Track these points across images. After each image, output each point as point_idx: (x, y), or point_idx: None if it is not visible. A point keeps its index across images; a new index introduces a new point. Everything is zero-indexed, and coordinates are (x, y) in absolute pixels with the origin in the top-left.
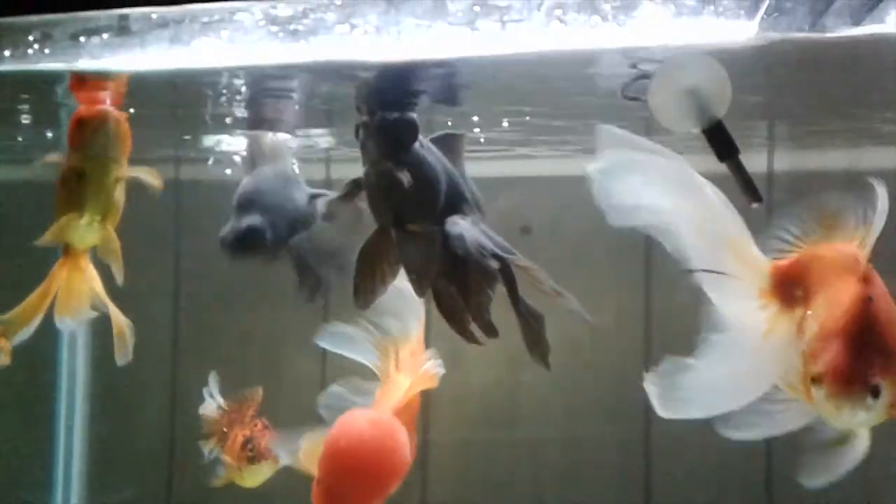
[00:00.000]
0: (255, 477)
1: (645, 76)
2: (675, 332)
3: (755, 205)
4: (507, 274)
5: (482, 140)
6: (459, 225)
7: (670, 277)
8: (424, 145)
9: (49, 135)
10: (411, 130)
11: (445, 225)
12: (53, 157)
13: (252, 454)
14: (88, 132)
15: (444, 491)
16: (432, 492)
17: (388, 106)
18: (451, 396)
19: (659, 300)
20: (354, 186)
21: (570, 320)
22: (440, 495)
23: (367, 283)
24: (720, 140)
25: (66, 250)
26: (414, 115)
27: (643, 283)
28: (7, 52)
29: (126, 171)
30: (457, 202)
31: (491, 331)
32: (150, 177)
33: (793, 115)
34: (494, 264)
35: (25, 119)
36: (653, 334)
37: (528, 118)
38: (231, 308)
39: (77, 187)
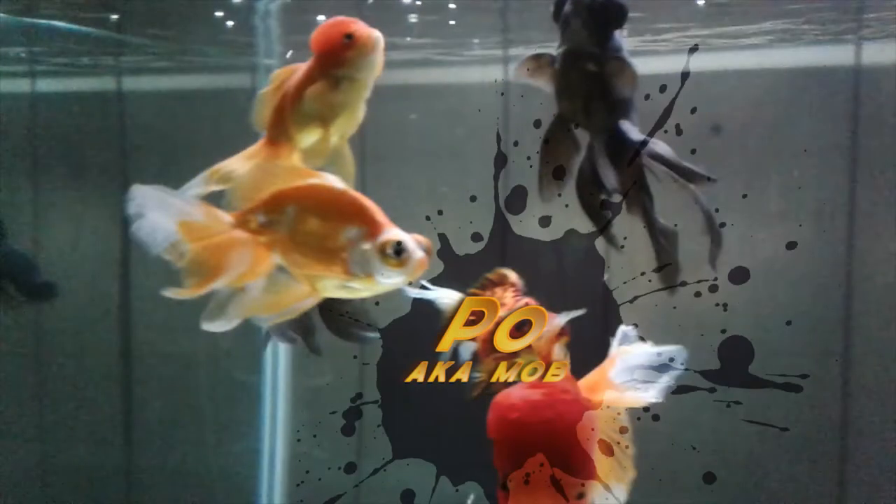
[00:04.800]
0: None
1: None
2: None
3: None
4: (647, 191)
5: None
6: (633, 130)
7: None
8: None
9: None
10: (622, 14)
11: (623, 128)
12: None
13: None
14: (364, 51)
15: None
16: None
17: None
18: None
19: (863, 196)
20: (539, 58)
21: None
22: None
23: (550, 176)
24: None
25: (276, 142)
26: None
27: (848, 182)
28: None
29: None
30: (631, 104)
31: (661, 234)
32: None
33: None
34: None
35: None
36: (857, 228)
37: None
38: None
39: (332, 103)
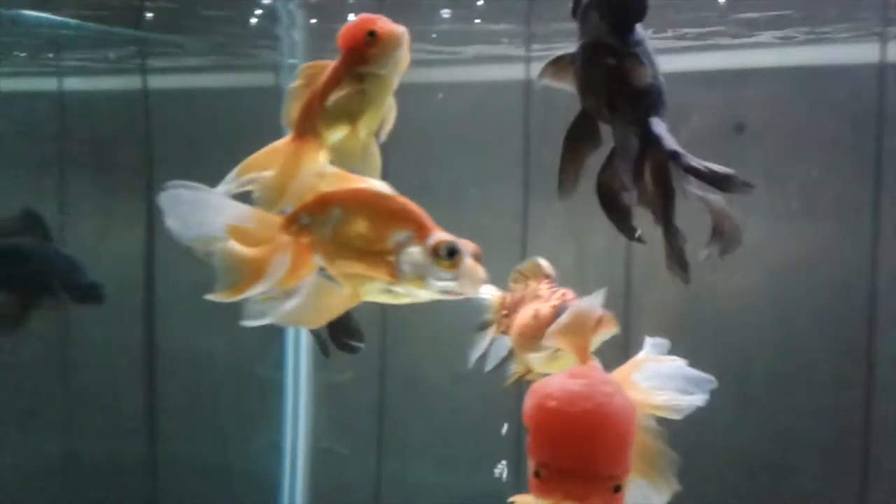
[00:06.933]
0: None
1: None
2: None
3: None
4: (669, 192)
5: None
6: (661, 126)
7: None
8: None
9: None
10: (642, 6)
11: (653, 126)
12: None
13: None
14: (387, 48)
15: None
16: None
17: None
18: None
19: (887, 195)
20: (558, 62)
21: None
22: None
23: (570, 172)
24: None
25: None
26: None
27: (871, 181)
28: None
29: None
30: (659, 100)
31: (677, 234)
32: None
33: None
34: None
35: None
36: (881, 228)
37: None
38: None
39: (358, 100)
